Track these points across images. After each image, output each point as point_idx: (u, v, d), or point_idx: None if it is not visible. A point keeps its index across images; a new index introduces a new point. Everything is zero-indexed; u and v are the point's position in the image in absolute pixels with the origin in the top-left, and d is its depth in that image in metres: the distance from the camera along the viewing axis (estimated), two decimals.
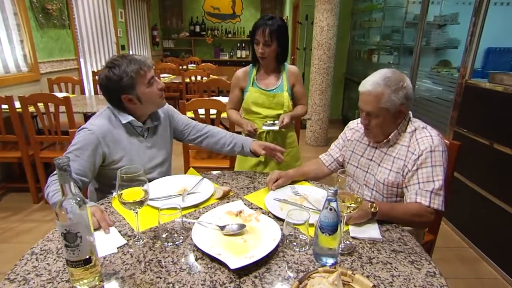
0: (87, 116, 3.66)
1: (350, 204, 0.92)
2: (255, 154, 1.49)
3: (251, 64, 1.88)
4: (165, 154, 1.48)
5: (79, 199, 0.74)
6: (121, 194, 0.91)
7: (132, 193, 0.92)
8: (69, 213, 0.73)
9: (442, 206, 1.16)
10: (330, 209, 0.86)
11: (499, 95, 2.05)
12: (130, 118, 1.31)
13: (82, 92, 3.79)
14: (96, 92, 4.01)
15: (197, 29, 8.02)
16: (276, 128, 1.73)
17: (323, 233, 0.87)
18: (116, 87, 1.24)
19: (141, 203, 0.92)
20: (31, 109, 2.47)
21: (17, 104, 2.44)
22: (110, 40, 5.23)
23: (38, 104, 2.42)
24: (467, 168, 2.26)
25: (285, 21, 1.75)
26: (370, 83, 1.18)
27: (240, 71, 1.88)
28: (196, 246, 0.94)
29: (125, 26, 5.87)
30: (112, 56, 1.29)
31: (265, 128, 1.74)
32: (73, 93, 3.64)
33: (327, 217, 0.86)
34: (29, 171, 2.62)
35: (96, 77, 4.17)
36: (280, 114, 1.79)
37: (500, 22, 3.00)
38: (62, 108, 2.46)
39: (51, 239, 0.98)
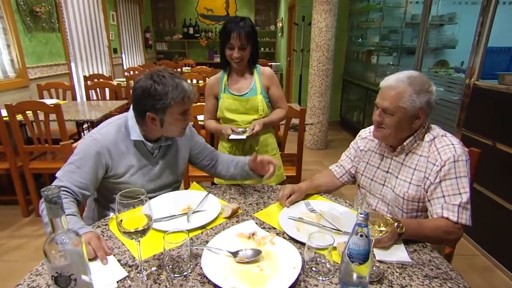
0: (79, 124, 3.53)
1: (381, 228, 0.82)
2: (255, 171, 1.37)
3: (222, 70, 1.77)
4: (174, 176, 1.35)
5: (72, 234, 0.63)
6: (121, 221, 0.80)
7: (133, 220, 0.81)
8: (61, 252, 0.61)
9: (469, 221, 1.07)
10: (361, 235, 0.75)
11: (510, 96, 1.98)
12: (139, 137, 1.19)
13: (74, 98, 3.64)
14: (88, 98, 3.86)
15: (191, 31, 7.90)
16: (243, 137, 1.58)
17: (352, 262, 0.77)
18: (149, 103, 1.12)
19: (143, 232, 0.81)
20: (19, 117, 2.33)
21: (4, 113, 2.30)
22: (102, 43, 5.08)
23: (27, 112, 2.28)
24: (476, 173, 2.18)
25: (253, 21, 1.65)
26: (393, 79, 1.11)
27: (212, 79, 1.77)
28: (207, 278, 0.83)
29: (117, 29, 5.72)
30: (161, 68, 1.16)
31: (232, 137, 1.58)
32: (64, 99, 3.49)
33: (357, 244, 0.76)
34: (18, 183, 2.48)
35: (88, 82, 4.03)
36: (256, 120, 1.68)
37: (496, 21, 2.96)
38: (52, 116, 2.32)
39: (40, 273, 0.86)
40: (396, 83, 1.10)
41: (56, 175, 1.12)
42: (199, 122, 2.23)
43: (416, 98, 1.07)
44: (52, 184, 1.08)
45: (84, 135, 3.72)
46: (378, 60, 4.21)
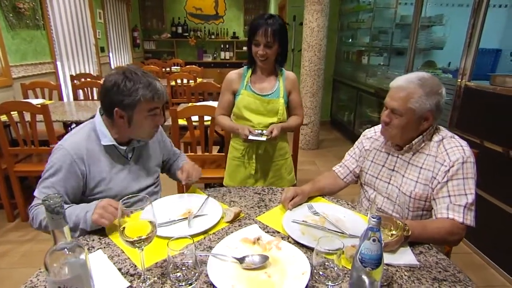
0: (66, 125, 3.42)
1: (391, 231, 0.81)
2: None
3: (245, 66, 1.71)
4: (151, 179, 1.31)
5: (75, 245, 0.59)
6: (123, 229, 0.76)
7: (136, 228, 0.77)
8: (64, 265, 0.57)
9: (473, 222, 1.07)
10: (374, 240, 0.74)
11: (501, 97, 2.02)
12: (110, 142, 1.15)
13: (60, 98, 3.52)
14: (75, 98, 3.74)
15: (179, 30, 7.78)
16: (263, 139, 1.55)
17: (365, 267, 0.75)
18: (118, 98, 1.08)
19: (147, 239, 0.77)
20: (3, 118, 2.23)
21: None
22: (88, 41, 4.95)
23: (12, 112, 2.19)
24: None
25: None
26: (404, 79, 1.11)
27: (233, 73, 1.70)
28: (214, 286, 0.80)
29: (104, 27, 5.59)
30: (134, 66, 1.15)
31: (251, 138, 1.55)
32: (50, 99, 3.37)
33: (370, 249, 0.74)
34: (2, 187, 2.38)
35: (75, 81, 3.92)
36: (273, 123, 1.63)
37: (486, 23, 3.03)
38: (39, 117, 2.23)
39: (36, 285, 0.81)
40: (406, 83, 1.09)
41: (34, 194, 1.09)
42: (205, 123, 2.19)
43: (425, 100, 1.07)
44: (32, 204, 1.08)
45: None
46: (368, 60, 4.24)
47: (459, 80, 2.35)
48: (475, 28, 2.22)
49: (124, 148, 1.19)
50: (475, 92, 2.25)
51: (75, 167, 1.09)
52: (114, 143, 1.16)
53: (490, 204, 2.07)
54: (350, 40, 4.95)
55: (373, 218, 0.74)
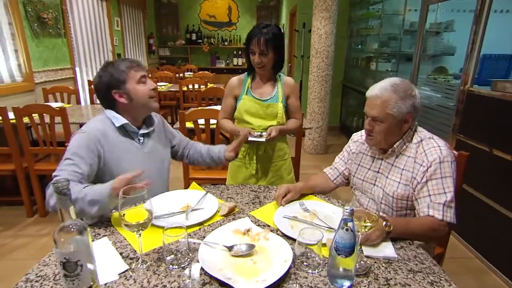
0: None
1: (366, 223, 0.88)
2: (228, 159, 1.55)
3: (245, 72, 1.81)
4: (163, 161, 1.45)
5: (79, 224, 0.69)
6: (124, 215, 0.86)
7: (135, 214, 0.87)
8: (69, 240, 0.67)
9: (454, 219, 1.12)
10: (347, 230, 0.81)
11: (502, 103, 2.04)
12: (124, 121, 1.29)
13: (78, 102, 3.72)
14: (92, 102, 3.94)
15: (194, 37, 8.01)
16: (262, 140, 1.65)
17: (339, 254, 0.82)
18: (107, 81, 1.26)
19: (144, 224, 0.87)
20: (25, 120, 2.40)
21: (11, 115, 2.37)
22: (106, 48, 5.19)
23: (33, 115, 2.36)
24: (470, 176, 2.23)
25: (281, 28, 1.68)
26: (378, 88, 1.17)
27: (235, 79, 1.81)
28: (203, 269, 0.88)
29: (121, 35, 5.83)
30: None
31: (251, 139, 1.65)
32: (68, 103, 3.57)
33: (343, 238, 0.81)
34: (23, 184, 2.55)
35: (92, 86, 4.12)
36: (272, 126, 1.71)
37: (493, 29, 3.03)
38: (57, 119, 2.39)
39: (47, 263, 0.92)
40: (381, 92, 1.16)
41: (53, 174, 1.16)
42: (211, 126, 2.30)
43: (402, 104, 1.13)
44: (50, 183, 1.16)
45: None
46: (377, 66, 4.27)
47: (462, 86, 2.38)
48: (477, 34, 2.25)
49: (137, 131, 1.33)
50: (477, 97, 2.27)
51: (93, 148, 1.20)
52: (127, 121, 1.30)
53: (492, 210, 2.08)
54: (359, 46, 4.99)
55: (346, 209, 0.81)
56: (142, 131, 1.36)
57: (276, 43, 1.62)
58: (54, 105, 3.00)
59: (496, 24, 2.40)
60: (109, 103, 1.30)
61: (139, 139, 1.36)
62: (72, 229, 0.68)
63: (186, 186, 2.21)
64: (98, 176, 1.25)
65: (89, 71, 4.65)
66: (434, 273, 0.91)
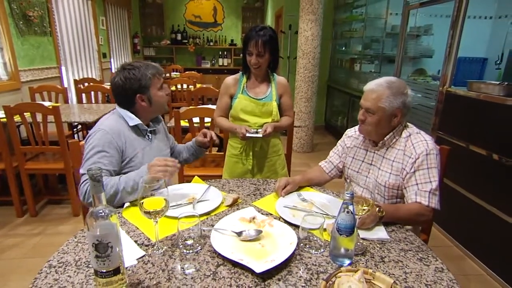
0: (72, 126, 3.58)
1: (364, 207, 0.98)
2: (202, 145, 1.67)
3: (240, 72, 1.89)
4: (168, 154, 1.57)
5: (109, 209, 0.75)
6: (142, 203, 0.92)
7: (152, 202, 0.93)
8: (101, 223, 0.73)
9: (438, 205, 1.24)
10: (347, 212, 0.90)
11: (476, 102, 2.21)
12: (137, 121, 1.38)
13: (66, 101, 3.68)
14: (79, 101, 3.90)
15: (179, 37, 8.00)
16: (259, 135, 1.74)
17: (340, 234, 0.91)
18: (135, 86, 1.33)
19: (161, 212, 0.93)
20: (17, 118, 2.38)
21: (0, 114, 2.35)
22: (91, 47, 5.12)
23: (25, 113, 2.34)
24: (449, 170, 2.39)
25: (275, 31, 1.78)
26: (374, 83, 1.30)
27: (230, 78, 1.88)
28: (216, 252, 0.96)
29: (107, 34, 5.77)
30: (127, 62, 1.42)
31: (248, 135, 1.74)
32: (56, 102, 3.53)
33: (344, 219, 0.91)
34: (13, 183, 2.52)
35: (79, 85, 4.08)
36: (267, 123, 1.80)
37: (468, 34, 3.26)
38: (49, 118, 2.39)
39: (67, 251, 0.97)
40: (376, 87, 1.28)
41: (80, 171, 1.25)
42: (205, 124, 2.37)
43: (393, 99, 1.25)
44: (81, 181, 1.25)
45: (76, 136, 3.75)
46: (361, 67, 4.45)
47: (441, 87, 2.55)
48: (454, 38, 2.42)
49: (147, 128, 1.43)
50: (454, 97, 2.44)
51: (114, 143, 1.29)
52: (140, 122, 1.39)
53: (469, 201, 2.24)
54: (344, 48, 5.17)
55: (347, 193, 0.91)
56: (150, 128, 1.45)
57: (272, 45, 1.71)
58: (44, 104, 2.97)
59: (470, 29, 2.60)
60: (128, 104, 1.37)
61: (148, 136, 1.45)
62: (103, 214, 0.73)
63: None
64: (117, 173, 1.33)
65: (75, 70, 4.59)
66: (422, 251, 1.03)
